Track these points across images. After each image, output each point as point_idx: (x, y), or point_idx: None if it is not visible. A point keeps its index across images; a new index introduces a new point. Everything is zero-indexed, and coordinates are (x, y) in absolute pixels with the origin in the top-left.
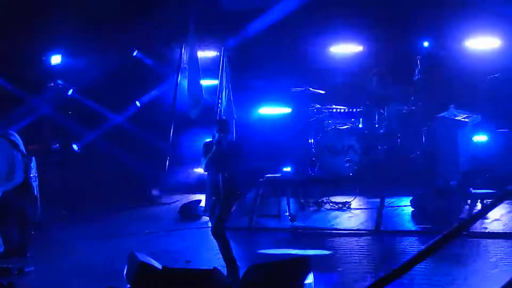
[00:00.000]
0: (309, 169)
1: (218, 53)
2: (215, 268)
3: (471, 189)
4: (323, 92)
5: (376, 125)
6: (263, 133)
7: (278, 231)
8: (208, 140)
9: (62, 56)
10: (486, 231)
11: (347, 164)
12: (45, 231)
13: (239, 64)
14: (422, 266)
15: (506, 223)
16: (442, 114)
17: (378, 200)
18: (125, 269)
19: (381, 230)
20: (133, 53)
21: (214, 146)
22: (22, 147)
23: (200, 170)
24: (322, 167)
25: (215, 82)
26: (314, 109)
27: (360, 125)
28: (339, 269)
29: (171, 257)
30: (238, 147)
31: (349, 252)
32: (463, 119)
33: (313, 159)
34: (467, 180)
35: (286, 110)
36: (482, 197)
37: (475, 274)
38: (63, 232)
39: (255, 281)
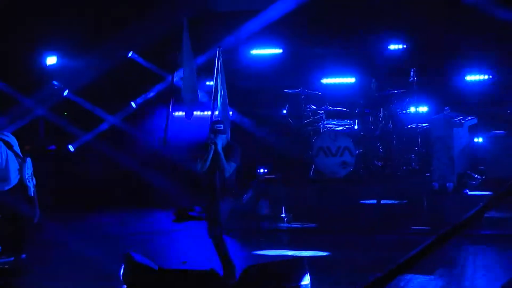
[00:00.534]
0: (305, 170)
1: (214, 54)
2: (211, 269)
3: (467, 190)
4: (319, 93)
5: (372, 127)
6: (258, 134)
7: (275, 232)
8: (203, 141)
9: (57, 57)
10: (482, 233)
11: (343, 166)
12: (41, 231)
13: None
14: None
15: (502, 225)
16: (438, 115)
17: (374, 201)
18: (121, 269)
19: (377, 231)
20: (128, 54)
21: (210, 147)
22: (16, 147)
23: (195, 171)
24: (317, 169)
25: (211, 83)
26: (310, 110)
27: (356, 127)
28: (336, 270)
29: (167, 258)
30: (234, 148)
31: (345, 253)
32: (458, 121)
33: (309, 160)
34: (463, 182)
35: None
36: (478, 199)
37: (471, 276)
38: (58, 232)
39: (251, 282)
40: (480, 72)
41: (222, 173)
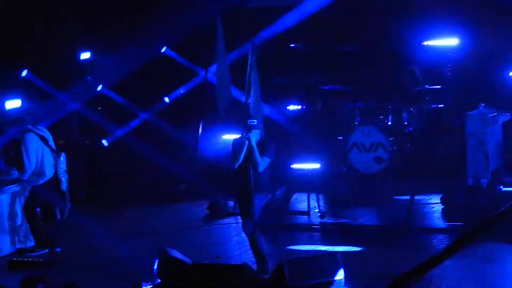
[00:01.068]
0: (338, 166)
1: (246, 50)
2: (245, 263)
3: (501, 187)
4: (351, 90)
5: (405, 123)
6: (292, 129)
7: (308, 228)
8: (237, 137)
9: (91, 52)
10: None
11: (376, 162)
12: (73, 226)
13: (267, 61)
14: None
15: None
16: (472, 112)
17: (408, 197)
18: (156, 264)
19: (410, 227)
20: (161, 50)
21: (244, 143)
22: (51, 142)
23: (229, 167)
24: (351, 164)
25: (244, 78)
26: (343, 106)
27: (389, 123)
28: (370, 265)
29: (201, 253)
30: (267, 143)
31: (378, 249)
32: (493, 117)
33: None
34: (497, 179)
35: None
36: None
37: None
38: (91, 227)
39: (285, 277)
40: None
41: (255, 169)
